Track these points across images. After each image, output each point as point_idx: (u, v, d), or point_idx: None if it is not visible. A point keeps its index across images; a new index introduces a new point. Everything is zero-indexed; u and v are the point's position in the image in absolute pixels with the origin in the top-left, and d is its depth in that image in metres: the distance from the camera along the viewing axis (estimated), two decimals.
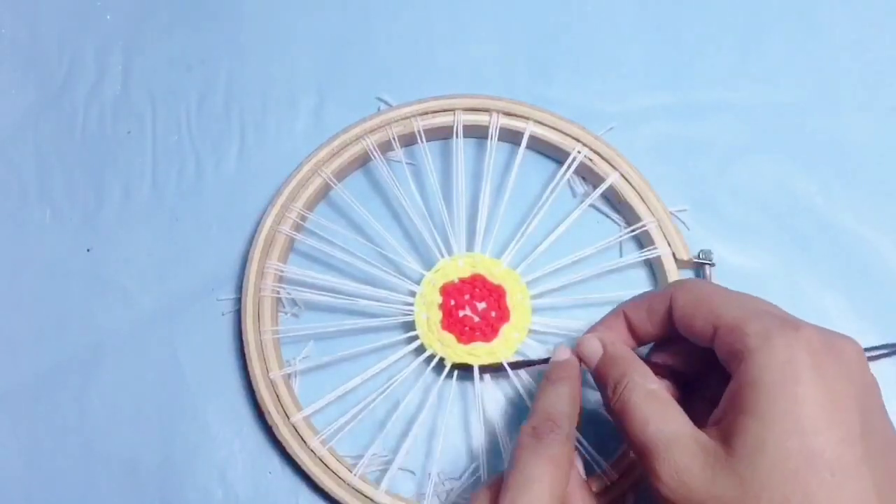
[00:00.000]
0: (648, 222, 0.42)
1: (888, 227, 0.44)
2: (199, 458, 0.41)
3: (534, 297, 0.41)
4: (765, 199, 0.44)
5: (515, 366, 0.39)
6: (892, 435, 0.29)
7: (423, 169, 0.43)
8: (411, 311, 0.40)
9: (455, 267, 0.41)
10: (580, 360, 0.35)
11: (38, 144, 0.45)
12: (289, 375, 0.41)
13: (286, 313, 0.42)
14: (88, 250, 0.44)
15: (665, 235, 0.41)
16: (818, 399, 0.28)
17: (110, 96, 0.46)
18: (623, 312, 0.36)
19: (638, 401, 0.32)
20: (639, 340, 0.36)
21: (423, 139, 0.42)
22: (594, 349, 0.35)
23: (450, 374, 0.40)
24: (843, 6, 0.47)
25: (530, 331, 0.40)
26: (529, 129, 0.43)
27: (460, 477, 0.40)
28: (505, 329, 0.40)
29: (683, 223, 0.44)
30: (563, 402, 0.33)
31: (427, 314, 0.40)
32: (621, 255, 0.43)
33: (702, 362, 0.34)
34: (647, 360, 0.35)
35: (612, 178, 0.42)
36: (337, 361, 0.41)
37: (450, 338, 0.40)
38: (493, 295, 0.40)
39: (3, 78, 0.46)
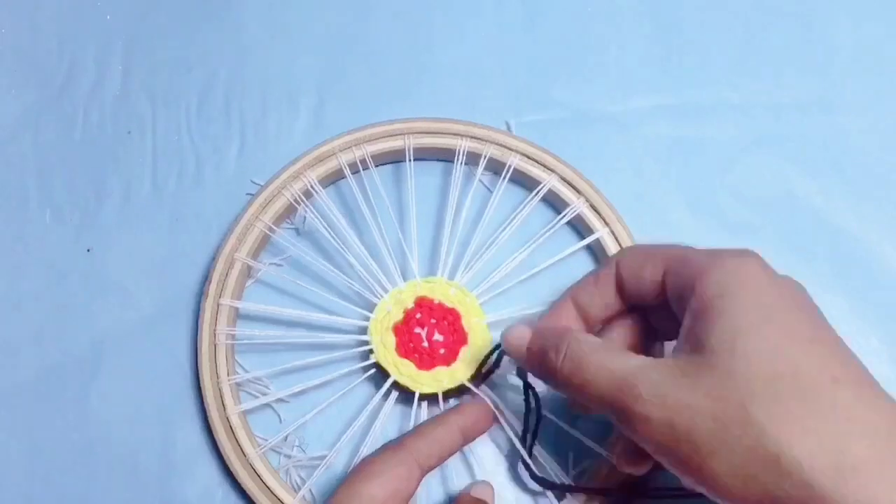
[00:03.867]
0: (582, 209, 0.42)
1: (888, 228, 0.44)
2: (199, 458, 0.41)
3: (489, 317, 0.40)
4: (765, 199, 0.44)
5: (477, 380, 0.39)
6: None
7: (371, 195, 0.42)
8: (367, 340, 0.40)
9: (409, 293, 0.40)
10: (509, 353, 0.34)
11: (38, 144, 0.45)
12: (245, 412, 0.40)
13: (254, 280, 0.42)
14: (88, 250, 0.44)
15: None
16: (778, 292, 0.29)
17: (110, 96, 0.46)
18: (570, 298, 0.35)
19: (589, 351, 0.31)
20: (590, 325, 0.35)
21: (372, 165, 0.42)
22: (521, 334, 0.34)
23: (400, 400, 0.40)
24: (843, 6, 0.47)
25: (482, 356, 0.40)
26: (512, 161, 0.42)
27: None
28: (464, 351, 0.40)
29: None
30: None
31: (384, 343, 0.39)
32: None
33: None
34: None
35: (579, 208, 0.42)
36: (298, 398, 0.41)
37: (408, 365, 0.39)
38: (448, 318, 0.40)
39: (3, 78, 0.46)
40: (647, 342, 0.35)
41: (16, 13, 0.47)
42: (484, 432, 0.38)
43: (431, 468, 0.35)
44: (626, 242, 0.41)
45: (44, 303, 0.43)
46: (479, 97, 0.46)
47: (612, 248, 0.41)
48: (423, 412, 0.40)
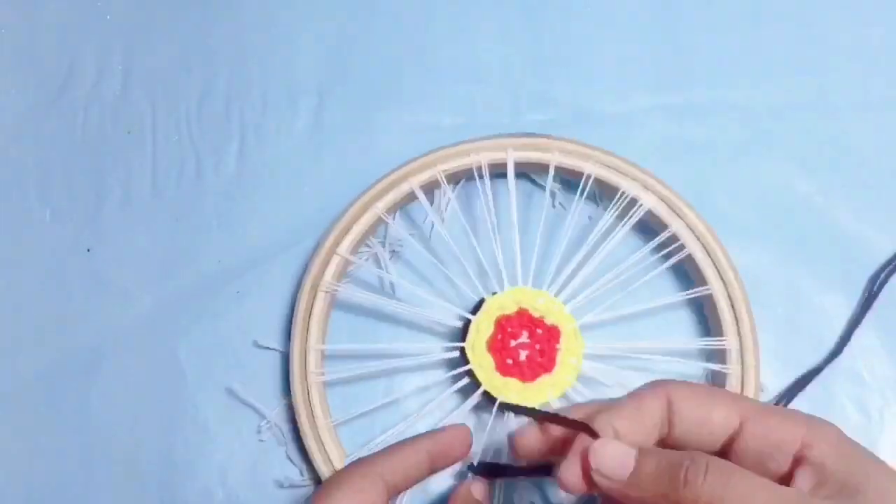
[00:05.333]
0: (716, 289, 0.41)
1: (888, 227, 0.44)
2: (199, 458, 0.41)
3: (587, 366, 0.40)
4: (765, 199, 0.44)
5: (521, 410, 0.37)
6: None
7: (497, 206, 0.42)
8: (468, 318, 0.40)
9: (530, 300, 0.40)
10: (602, 482, 0.28)
11: (38, 144, 0.45)
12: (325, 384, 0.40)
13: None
14: (88, 250, 0.44)
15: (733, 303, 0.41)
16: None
17: (110, 96, 0.46)
18: (606, 422, 0.30)
19: (737, 473, 0.27)
20: None
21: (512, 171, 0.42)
22: (622, 455, 0.28)
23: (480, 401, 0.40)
24: (843, 6, 0.47)
25: (566, 394, 0.39)
26: (594, 170, 0.42)
27: None
28: (544, 379, 0.39)
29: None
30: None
31: (478, 333, 0.39)
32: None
33: None
34: None
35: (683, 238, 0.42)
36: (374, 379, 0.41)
37: (490, 363, 0.39)
38: (549, 343, 0.39)
39: (3, 78, 0.46)
40: None
41: (16, 13, 0.47)
42: (458, 460, 0.37)
43: (398, 487, 0.34)
44: (737, 295, 0.41)
45: (44, 303, 0.43)
46: (479, 97, 0.46)
47: (722, 303, 0.41)
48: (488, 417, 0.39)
